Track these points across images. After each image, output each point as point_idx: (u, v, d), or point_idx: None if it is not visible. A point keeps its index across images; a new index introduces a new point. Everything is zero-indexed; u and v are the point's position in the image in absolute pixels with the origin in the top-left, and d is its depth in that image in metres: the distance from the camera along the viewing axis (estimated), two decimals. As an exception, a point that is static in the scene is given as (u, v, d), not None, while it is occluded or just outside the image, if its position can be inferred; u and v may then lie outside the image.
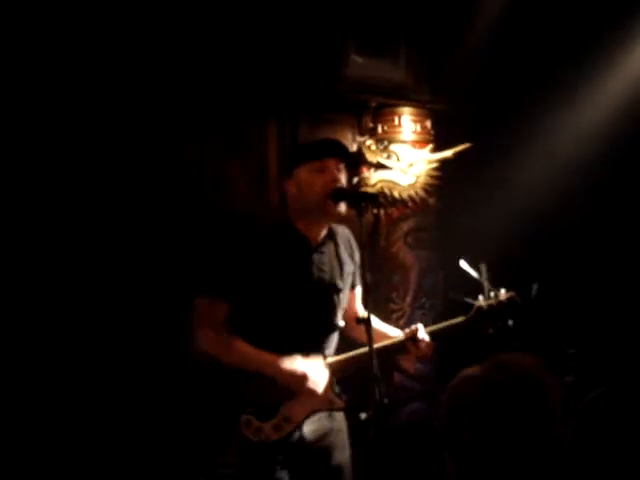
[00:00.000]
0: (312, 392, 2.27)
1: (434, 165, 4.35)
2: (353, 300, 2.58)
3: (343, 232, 2.54)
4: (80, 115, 3.50)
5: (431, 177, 4.35)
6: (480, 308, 2.51)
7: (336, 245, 2.48)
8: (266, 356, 2.28)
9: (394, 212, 4.34)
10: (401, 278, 4.30)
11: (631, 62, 4.20)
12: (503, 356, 1.35)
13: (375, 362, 2.18)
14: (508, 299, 2.53)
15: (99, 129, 3.55)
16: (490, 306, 2.51)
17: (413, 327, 2.47)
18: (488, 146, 4.30)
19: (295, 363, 2.29)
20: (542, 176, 4.14)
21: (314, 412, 2.34)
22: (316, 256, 2.39)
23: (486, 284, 2.54)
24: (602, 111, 4.18)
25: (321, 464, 2.41)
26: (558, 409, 1.22)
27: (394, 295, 4.27)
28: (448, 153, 4.34)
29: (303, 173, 2.36)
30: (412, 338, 2.42)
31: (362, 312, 2.56)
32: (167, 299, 3.40)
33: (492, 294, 2.53)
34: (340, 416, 2.50)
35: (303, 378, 2.27)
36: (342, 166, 2.39)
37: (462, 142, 4.31)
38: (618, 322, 4.21)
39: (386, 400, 2.16)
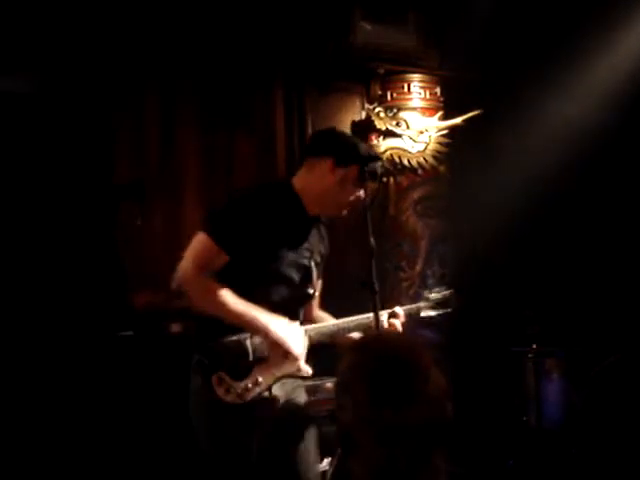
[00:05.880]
0: (293, 355, 2.27)
1: (444, 132, 4.30)
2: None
3: (325, 219, 2.59)
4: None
5: (441, 144, 4.31)
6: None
7: (320, 224, 2.54)
8: (257, 310, 2.28)
9: (404, 180, 4.30)
10: (411, 247, 4.28)
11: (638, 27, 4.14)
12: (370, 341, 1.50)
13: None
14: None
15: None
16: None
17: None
18: (498, 113, 4.25)
19: (286, 322, 2.30)
20: (553, 142, 4.10)
21: (282, 377, 2.34)
22: (308, 227, 2.45)
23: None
24: (610, 75, 4.11)
25: (290, 417, 2.42)
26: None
27: (403, 264, 4.25)
28: (458, 120, 4.29)
29: (345, 174, 2.36)
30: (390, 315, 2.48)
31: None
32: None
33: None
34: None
35: (291, 337, 2.28)
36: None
37: (472, 109, 4.26)
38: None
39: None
